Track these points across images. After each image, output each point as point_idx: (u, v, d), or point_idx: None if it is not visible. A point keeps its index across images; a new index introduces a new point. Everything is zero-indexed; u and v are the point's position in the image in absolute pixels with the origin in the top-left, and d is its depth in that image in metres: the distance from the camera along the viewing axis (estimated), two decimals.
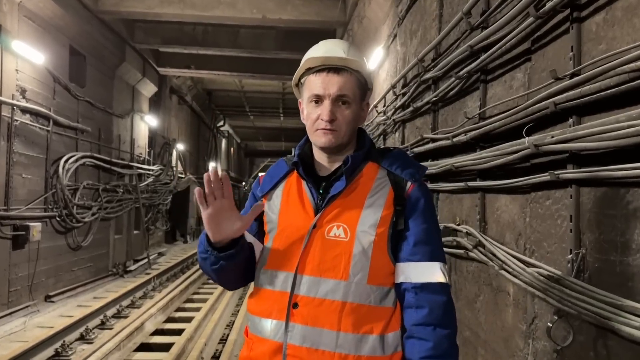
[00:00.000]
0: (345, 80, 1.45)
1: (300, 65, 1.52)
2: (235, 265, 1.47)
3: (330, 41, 1.55)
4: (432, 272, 1.42)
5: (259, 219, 1.57)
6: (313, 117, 1.48)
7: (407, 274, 1.43)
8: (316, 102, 1.48)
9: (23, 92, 7.43)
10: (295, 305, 1.40)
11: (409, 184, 1.47)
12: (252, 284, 1.59)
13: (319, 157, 1.55)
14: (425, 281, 1.41)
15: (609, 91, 1.84)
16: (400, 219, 1.45)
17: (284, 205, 1.52)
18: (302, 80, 1.55)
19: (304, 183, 1.52)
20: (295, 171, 1.54)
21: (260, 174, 1.72)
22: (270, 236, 1.52)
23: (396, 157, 1.53)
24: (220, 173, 1.35)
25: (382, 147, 1.65)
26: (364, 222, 1.42)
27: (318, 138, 1.48)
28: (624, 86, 1.75)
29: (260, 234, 1.59)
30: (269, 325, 1.44)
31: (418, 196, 1.47)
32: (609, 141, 1.76)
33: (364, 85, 1.52)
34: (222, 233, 1.39)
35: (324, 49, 1.50)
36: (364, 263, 1.40)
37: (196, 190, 1.32)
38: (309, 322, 1.39)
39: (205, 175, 1.34)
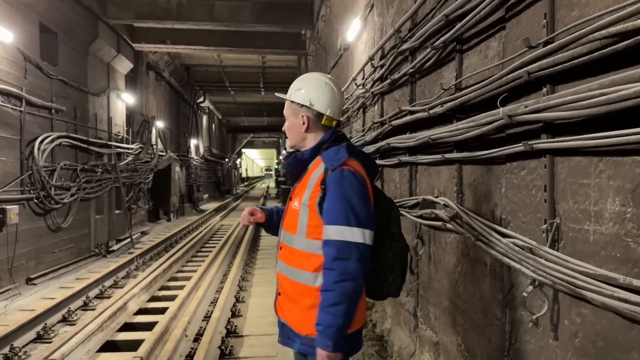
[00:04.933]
0: (286, 105, 2.35)
1: None
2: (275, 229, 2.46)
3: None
4: (328, 232, 2.04)
5: None
6: None
7: (322, 233, 2.09)
8: None
9: None
10: (281, 248, 2.27)
11: (329, 171, 2.10)
12: None
13: None
14: (325, 238, 2.05)
15: (581, 59, 1.81)
16: (323, 194, 2.09)
17: None
18: None
19: None
20: None
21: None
22: None
23: (328, 152, 2.19)
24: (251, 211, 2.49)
25: (333, 145, 2.22)
26: (304, 197, 2.16)
27: None
28: (595, 53, 1.72)
29: None
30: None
31: (330, 180, 2.08)
32: (581, 110, 1.74)
33: (297, 104, 2.28)
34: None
35: None
36: (304, 224, 2.15)
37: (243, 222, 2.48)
38: (281, 259, 2.25)
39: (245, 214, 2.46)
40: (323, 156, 2.17)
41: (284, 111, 2.34)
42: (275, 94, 2.51)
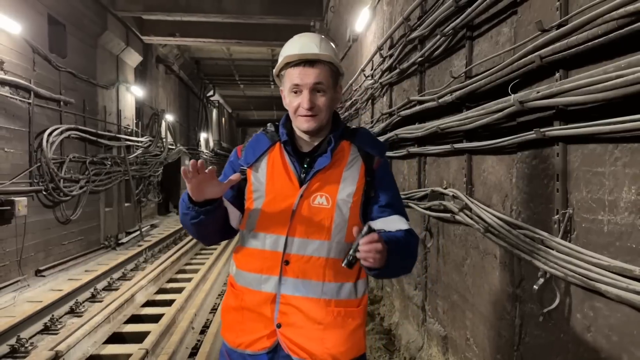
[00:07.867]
0: (320, 71, 1.66)
1: (279, 61, 1.71)
2: (212, 220, 1.70)
3: (304, 36, 1.74)
4: (400, 222, 1.73)
5: (236, 188, 1.79)
6: (294, 105, 1.69)
7: (379, 227, 1.67)
8: (295, 92, 1.68)
9: (0, 63, 7.20)
10: (287, 262, 1.68)
11: (376, 158, 1.75)
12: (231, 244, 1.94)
13: (301, 136, 1.78)
14: (397, 228, 1.71)
15: (596, 41, 1.73)
16: (371, 188, 1.73)
17: (269, 176, 1.74)
18: (282, 72, 1.74)
19: (287, 157, 1.74)
20: (276, 146, 1.77)
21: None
22: (257, 203, 1.74)
23: (364, 136, 1.80)
24: (198, 162, 1.57)
25: (352, 127, 1.86)
26: (342, 192, 1.69)
27: (300, 124, 1.71)
28: (612, 34, 1.64)
29: (236, 200, 1.80)
30: (262, 279, 1.71)
31: (384, 168, 1.79)
32: (596, 94, 1.66)
33: (335, 73, 1.73)
34: (203, 195, 1.63)
35: (299, 46, 1.69)
36: (342, 225, 1.69)
37: (182, 169, 1.55)
38: (299, 275, 1.68)
39: (191, 163, 1.56)
40: (357, 140, 1.76)
41: (321, 81, 1.66)
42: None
